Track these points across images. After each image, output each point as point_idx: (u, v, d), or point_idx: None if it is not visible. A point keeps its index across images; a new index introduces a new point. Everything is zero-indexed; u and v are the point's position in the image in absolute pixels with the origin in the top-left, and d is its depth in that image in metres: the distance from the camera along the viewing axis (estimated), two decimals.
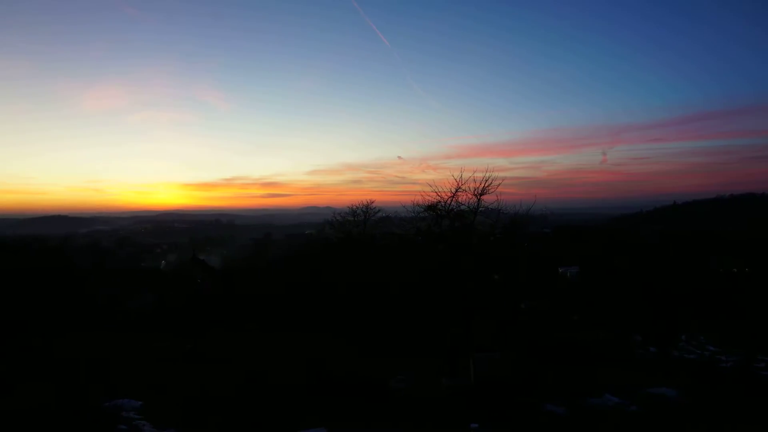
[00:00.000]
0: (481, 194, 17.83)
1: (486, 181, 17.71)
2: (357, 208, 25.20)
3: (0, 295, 24.68)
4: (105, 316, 26.32)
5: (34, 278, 27.04)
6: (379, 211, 25.54)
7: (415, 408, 11.54)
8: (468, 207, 18.19)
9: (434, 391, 13.03)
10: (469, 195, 18.04)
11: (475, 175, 17.81)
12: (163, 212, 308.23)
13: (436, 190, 18.38)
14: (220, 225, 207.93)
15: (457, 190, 18.06)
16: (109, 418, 10.49)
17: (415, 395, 12.68)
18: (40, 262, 30.59)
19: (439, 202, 18.52)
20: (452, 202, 18.35)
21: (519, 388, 12.39)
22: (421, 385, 13.55)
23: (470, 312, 18.46)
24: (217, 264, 48.11)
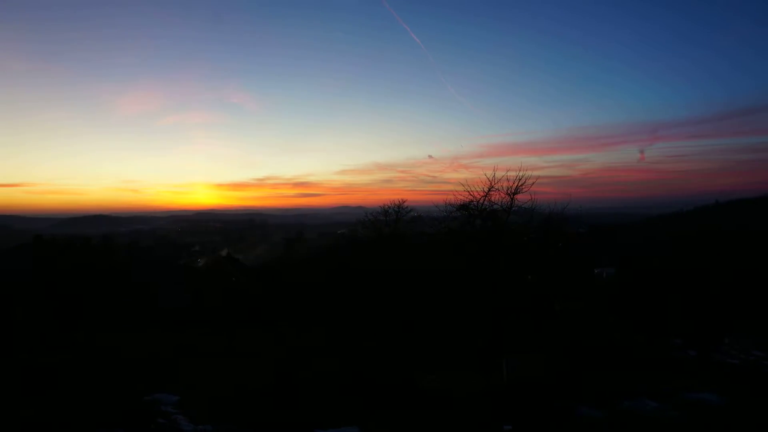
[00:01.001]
0: (514, 193, 17.63)
1: (519, 180, 17.49)
2: (389, 207, 25.19)
3: (46, 291, 25.72)
4: (144, 312, 27.09)
5: (77, 275, 28.05)
6: (411, 210, 25.47)
7: (447, 408, 11.51)
8: (501, 206, 18.02)
9: (466, 391, 12.98)
10: (502, 194, 17.86)
11: (509, 174, 17.62)
12: (198, 212, 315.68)
13: (469, 189, 18.25)
14: (253, 224, 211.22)
15: (489, 190, 17.89)
16: (149, 411, 10.81)
17: (446, 395, 12.65)
18: (84, 259, 31.70)
19: (472, 201, 18.38)
20: (485, 202, 18.20)
21: (553, 390, 12.23)
22: (453, 386, 13.51)
23: (503, 313, 18.28)
24: (251, 262, 48.88)
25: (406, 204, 25.43)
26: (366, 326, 22.30)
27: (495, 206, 18.20)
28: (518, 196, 17.76)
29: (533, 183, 17.68)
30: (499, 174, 17.71)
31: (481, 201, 18.18)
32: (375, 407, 11.40)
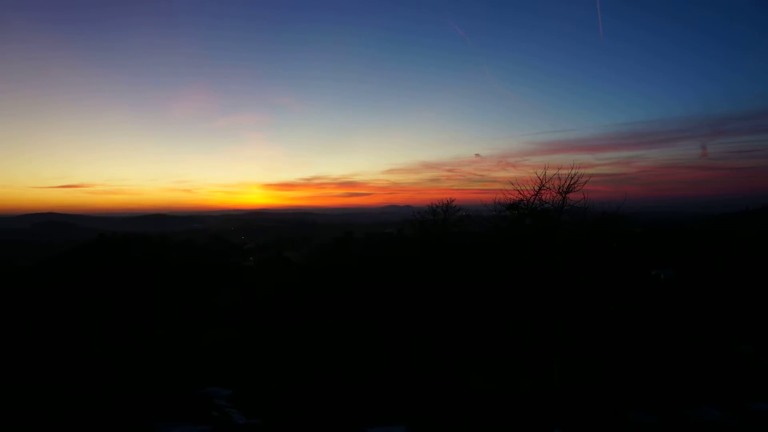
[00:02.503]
0: (566, 192, 17.16)
1: (571, 178, 17.00)
2: (437, 206, 25.06)
3: (110, 285, 27.06)
4: (199, 307, 28.03)
5: (138, 270, 29.36)
6: (459, 209, 25.25)
7: (495, 409, 11.35)
8: (552, 205, 17.60)
9: (515, 392, 12.76)
10: (553, 193, 17.44)
11: (560, 172, 17.18)
12: (250, 211, 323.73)
13: (518, 188, 17.91)
14: (302, 223, 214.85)
15: (540, 188, 17.50)
16: (203, 404, 11.20)
17: (495, 396, 12.47)
18: (144, 255, 33.15)
19: (522, 200, 18.03)
20: (535, 201, 17.82)
21: (605, 393, 11.85)
22: (502, 386, 13.31)
23: (554, 314, 17.86)
24: (300, 261, 49.73)
25: (454, 203, 25.26)
26: (414, 324, 22.30)
27: (546, 205, 17.79)
28: (570, 195, 17.27)
29: (586, 181, 17.14)
30: (549, 172, 17.32)
31: (531, 200, 17.81)
32: (423, 406, 11.38)
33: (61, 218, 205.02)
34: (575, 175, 16.99)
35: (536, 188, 17.55)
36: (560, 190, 17.22)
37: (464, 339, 19.41)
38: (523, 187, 17.79)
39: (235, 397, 11.89)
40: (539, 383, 13.09)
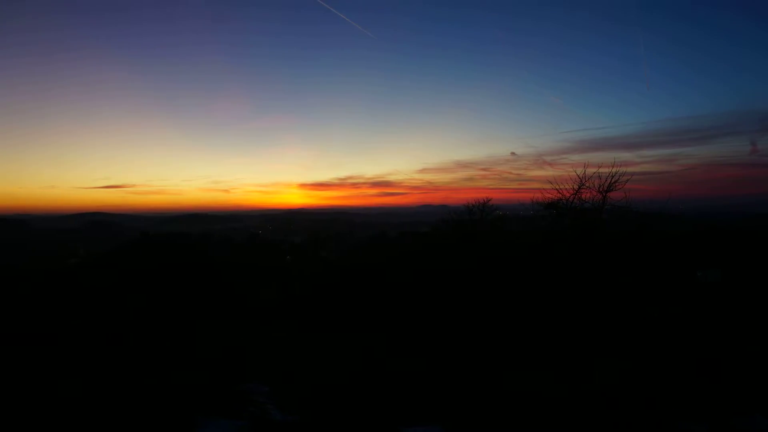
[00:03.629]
0: (606, 191, 16.86)
1: (612, 176, 16.71)
2: (473, 206, 24.90)
3: (151, 284, 27.89)
4: (237, 306, 28.61)
5: (179, 269, 30.18)
6: (495, 209, 25.04)
7: (532, 412, 11.17)
8: (592, 205, 17.28)
9: (551, 395, 12.52)
10: (593, 192, 17.14)
11: (600, 170, 16.89)
12: (286, 211, 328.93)
13: (556, 187, 17.67)
14: (338, 223, 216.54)
15: (580, 187, 17.23)
16: (241, 400, 11.42)
17: (530, 398, 12.27)
18: (184, 255, 34.06)
19: (560, 199, 17.78)
20: (574, 200, 17.53)
21: (648, 401, 11.49)
22: (538, 389, 13.08)
23: (593, 316, 17.49)
24: (336, 259, 50.16)
25: (490, 202, 25.02)
26: (448, 325, 22.18)
27: (586, 205, 17.51)
28: (611, 194, 16.98)
29: (627, 180, 16.82)
30: (589, 171, 17.05)
31: (570, 199, 17.54)
32: (457, 407, 11.31)
33: (106, 217, 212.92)
34: (616, 173, 16.70)
35: (575, 187, 17.32)
36: (600, 189, 16.96)
37: (499, 341, 19.19)
38: (561, 186, 17.58)
39: (272, 394, 12.07)
40: (578, 387, 12.80)
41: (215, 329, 22.60)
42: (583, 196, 17.36)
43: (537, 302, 20.58)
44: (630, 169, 17.00)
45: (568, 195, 17.50)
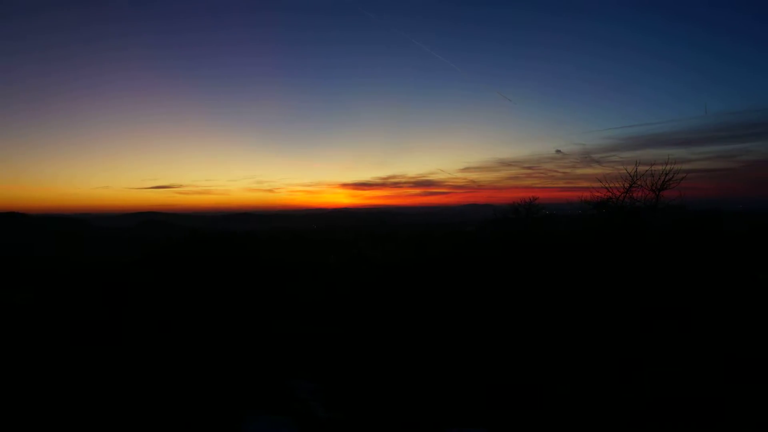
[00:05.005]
0: (659, 190, 16.25)
1: (666, 174, 16.09)
2: (519, 205, 24.49)
3: (202, 281, 28.80)
4: (284, 303, 29.14)
5: (228, 267, 31.04)
6: (542, 208, 24.54)
7: (579, 417, 10.89)
8: (644, 204, 16.70)
9: (600, 402, 12.15)
10: (645, 191, 16.57)
11: (653, 168, 16.30)
12: (329, 210, 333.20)
13: (606, 185, 17.18)
14: (381, 222, 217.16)
15: (631, 186, 16.68)
16: (287, 396, 11.62)
17: (579, 404, 11.95)
18: (233, 253, 34.98)
19: (610, 198, 17.28)
20: (625, 199, 16.99)
21: (702, 409, 10.97)
22: (589, 393, 12.72)
23: (645, 320, 16.87)
24: (380, 259, 50.33)
25: (537, 202, 24.53)
26: (495, 325, 21.88)
27: (637, 204, 16.95)
28: (664, 193, 16.37)
29: (682, 178, 16.18)
30: (641, 168, 16.50)
31: (621, 198, 17.02)
32: (504, 409, 11.14)
33: (158, 216, 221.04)
34: (670, 170, 16.10)
35: (626, 185, 16.81)
36: (653, 188, 16.40)
37: (548, 343, 18.78)
38: (611, 185, 17.09)
39: (317, 391, 12.23)
40: (627, 394, 12.38)
41: (264, 326, 23.10)
42: (634, 195, 16.83)
43: (588, 306, 20.04)
44: (685, 167, 16.39)
45: (618, 194, 17.00)
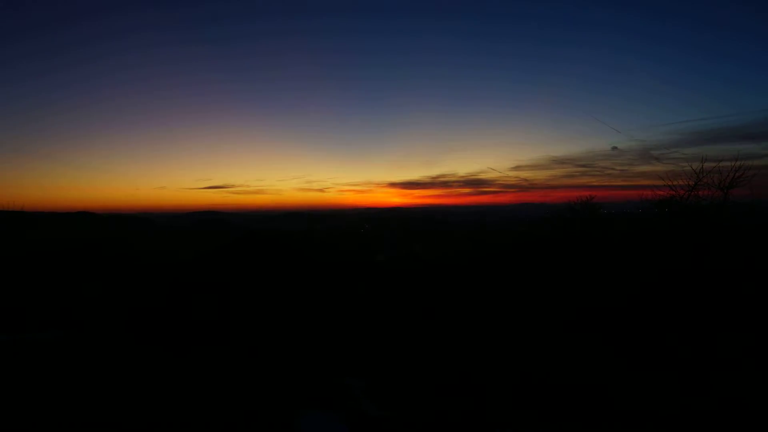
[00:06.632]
0: (728, 188, 15.32)
1: (735, 171, 15.15)
2: (575, 204, 23.79)
3: (260, 279, 29.64)
4: (337, 302, 29.54)
5: (283, 266, 31.82)
6: (600, 207, 23.74)
7: (639, 423, 10.48)
8: (711, 203, 15.82)
9: (663, 407, 11.64)
10: (711, 189, 15.68)
11: (720, 164, 15.39)
12: (380, 209, 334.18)
13: (668, 183, 16.38)
14: (432, 221, 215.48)
15: (696, 184, 15.84)
16: (339, 394, 11.79)
17: (640, 408, 11.50)
18: (288, 251, 35.84)
19: (673, 196, 16.48)
20: (690, 197, 16.16)
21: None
22: (651, 401, 12.22)
23: (716, 323, 16.00)
24: (432, 258, 50.19)
25: (594, 200, 23.77)
26: (552, 329, 21.38)
27: (703, 203, 16.08)
28: (733, 191, 15.42)
29: (754, 175, 15.16)
30: (707, 165, 15.61)
31: (685, 197, 16.19)
32: (560, 414, 10.88)
33: (215, 215, 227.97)
34: (740, 167, 15.15)
35: (691, 183, 15.99)
36: (721, 185, 15.49)
37: (608, 348, 18.17)
38: (674, 182, 16.32)
39: (369, 389, 12.34)
40: (692, 400, 11.80)
41: (318, 323, 23.52)
42: (699, 193, 15.96)
43: (651, 310, 19.24)
44: (756, 163, 15.37)
45: (682, 192, 16.18)
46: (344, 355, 16.59)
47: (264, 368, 13.96)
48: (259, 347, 17.11)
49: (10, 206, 32.92)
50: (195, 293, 25.74)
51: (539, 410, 11.05)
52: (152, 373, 12.39)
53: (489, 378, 13.72)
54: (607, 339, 18.86)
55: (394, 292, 31.85)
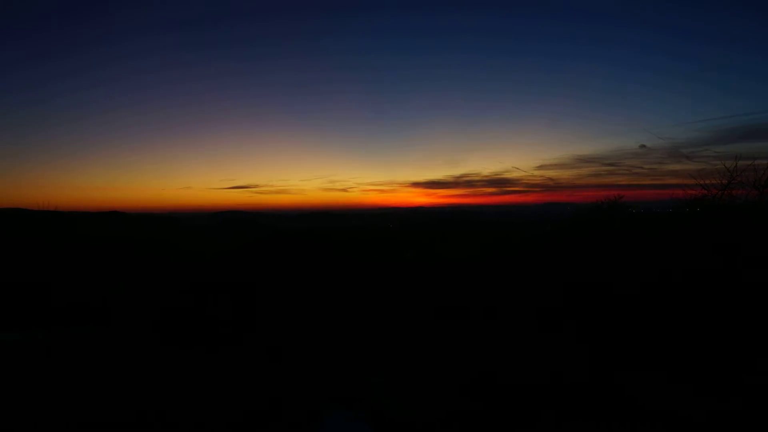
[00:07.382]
0: (764, 186, 14.86)
1: None
2: (602, 203, 23.32)
3: (287, 277, 29.94)
4: (362, 301, 29.63)
5: (309, 264, 32.08)
6: (629, 207, 23.20)
7: (665, 427, 10.22)
8: (746, 202, 15.35)
9: (689, 410, 11.31)
10: (746, 188, 15.21)
11: (756, 162, 14.93)
12: (404, 209, 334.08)
13: (699, 182, 15.95)
14: (456, 221, 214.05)
15: (729, 183, 15.39)
16: (363, 393, 11.82)
17: (666, 412, 11.20)
18: (313, 250, 36.10)
19: (706, 196, 16.04)
20: (723, 197, 15.70)
21: None
22: (673, 402, 11.89)
23: (744, 325, 15.52)
24: (456, 258, 49.92)
25: (622, 200, 23.25)
26: (576, 332, 21.04)
27: (737, 202, 15.61)
28: None
29: None
30: (741, 163, 15.16)
31: (717, 196, 15.74)
32: (579, 415, 10.69)
33: (241, 215, 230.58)
34: None
35: (724, 182, 15.54)
36: (756, 184, 15.03)
37: (631, 348, 17.77)
38: (705, 182, 15.88)
39: (393, 388, 12.33)
40: (723, 403, 11.44)
41: (341, 321, 23.62)
42: (733, 192, 15.50)
43: (677, 310, 18.79)
44: None
45: (714, 192, 15.73)
46: (367, 353, 16.61)
47: (288, 366, 14.08)
48: (283, 346, 17.27)
49: (46, 206, 33.85)
50: (221, 293, 26.12)
51: (557, 410, 10.88)
52: (178, 371, 12.63)
53: (511, 378, 13.57)
54: (626, 339, 18.49)
55: (417, 291, 31.77)
